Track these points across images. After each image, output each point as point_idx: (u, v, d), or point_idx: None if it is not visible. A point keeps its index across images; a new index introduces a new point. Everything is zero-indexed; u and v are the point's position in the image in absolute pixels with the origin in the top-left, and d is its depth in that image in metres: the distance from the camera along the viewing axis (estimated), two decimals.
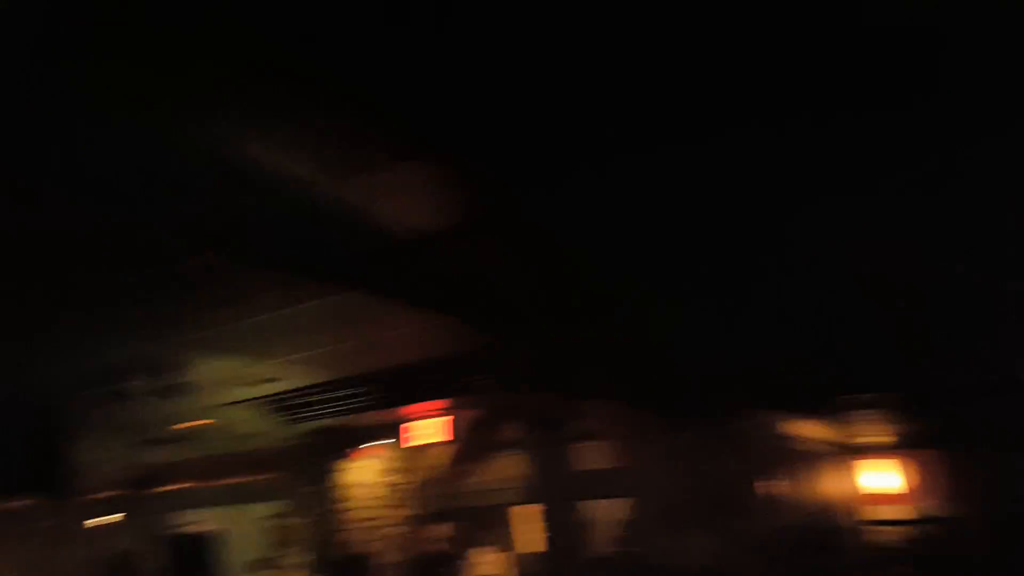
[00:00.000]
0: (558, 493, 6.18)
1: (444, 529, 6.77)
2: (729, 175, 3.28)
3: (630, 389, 5.83)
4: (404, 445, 6.86)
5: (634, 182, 3.36)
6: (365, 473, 6.93)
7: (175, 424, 7.03)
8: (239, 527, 8.95)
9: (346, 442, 6.78)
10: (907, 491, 6.12)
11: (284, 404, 6.42)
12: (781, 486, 6.25)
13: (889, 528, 6.06)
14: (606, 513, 7.62)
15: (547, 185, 3.51)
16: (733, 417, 6.10)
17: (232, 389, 6.05)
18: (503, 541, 7.94)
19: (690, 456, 6.30)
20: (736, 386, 5.93)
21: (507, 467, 6.94)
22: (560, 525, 6.21)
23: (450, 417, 6.46)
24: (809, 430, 6.54)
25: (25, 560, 10.89)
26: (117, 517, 10.73)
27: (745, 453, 6.23)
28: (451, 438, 6.62)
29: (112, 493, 10.39)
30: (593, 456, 6.26)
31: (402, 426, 6.43)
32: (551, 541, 6.27)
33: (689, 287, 4.56)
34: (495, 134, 3.06)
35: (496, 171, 3.42)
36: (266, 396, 6.28)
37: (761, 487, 6.28)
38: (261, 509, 9.05)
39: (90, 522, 10.52)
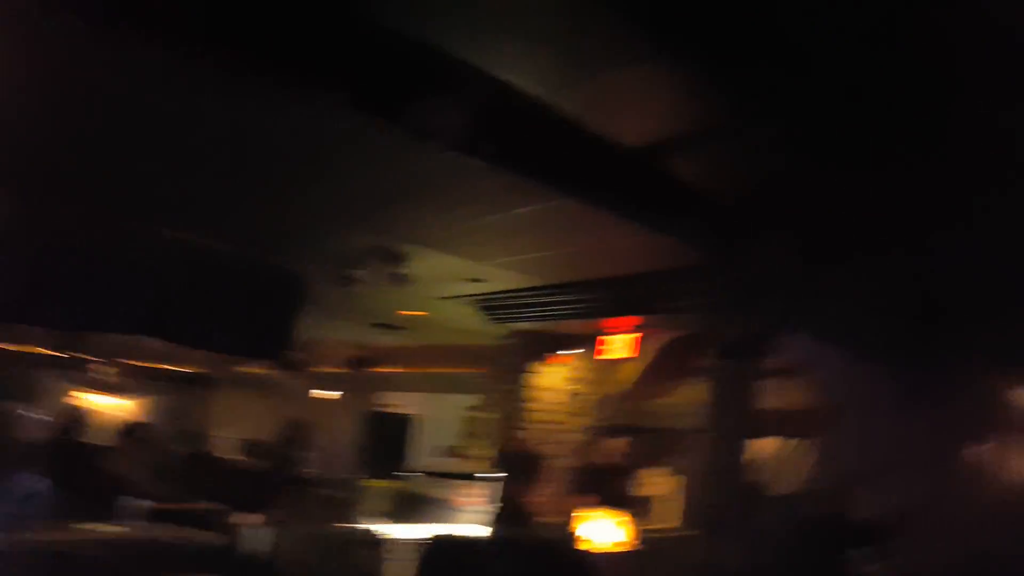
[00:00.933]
0: (738, 426, 6.09)
1: (620, 444, 6.99)
2: None
3: (848, 326, 5.55)
4: (597, 357, 7.11)
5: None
6: (555, 379, 7.28)
7: (394, 312, 7.79)
8: (435, 414, 9.82)
9: (543, 347, 7.15)
10: None
11: (492, 304, 6.86)
12: (996, 450, 5.74)
13: None
14: (788, 454, 7.43)
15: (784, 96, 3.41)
16: (965, 364, 5.50)
17: (447, 285, 6.58)
18: (676, 465, 8.05)
19: (897, 405, 5.92)
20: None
21: (693, 392, 6.96)
22: (734, 459, 6.13)
23: (647, 334, 6.55)
24: None
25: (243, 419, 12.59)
26: (335, 393, 12.15)
27: (971, 408, 5.62)
28: (644, 356, 6.74)
29: (330, 369, 11.77)
30: (784, 393, 6.08)
31: (598, 338, 6.65)
32: (723, 473, 6.24)
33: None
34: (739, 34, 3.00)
35: (733, 79, 3.37)
36: (477, 295, 6.75)
37: (976, 450, 5.74)
38: (457, 400, 9.88)
39: (312, 392, 12.01)
